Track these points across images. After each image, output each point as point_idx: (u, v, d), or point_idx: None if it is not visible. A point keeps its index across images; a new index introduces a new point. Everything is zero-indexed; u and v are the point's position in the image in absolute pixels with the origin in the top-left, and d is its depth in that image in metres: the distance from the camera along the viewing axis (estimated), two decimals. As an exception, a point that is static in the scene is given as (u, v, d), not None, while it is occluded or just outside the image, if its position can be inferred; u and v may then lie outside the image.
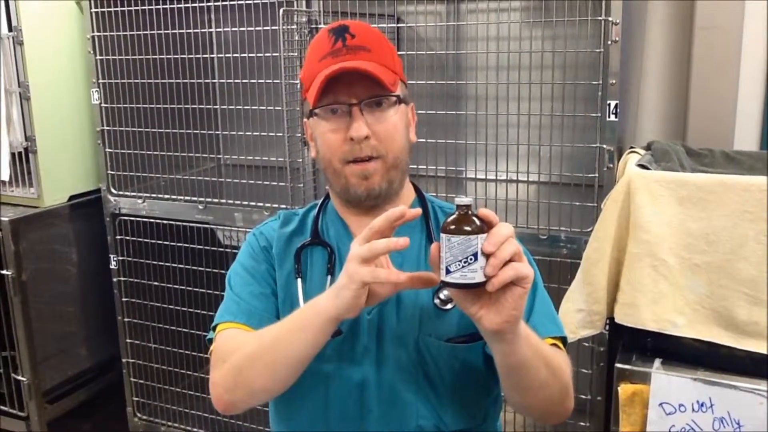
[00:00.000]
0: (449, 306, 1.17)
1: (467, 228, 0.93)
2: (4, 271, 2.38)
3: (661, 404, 1.52)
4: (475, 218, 0.94)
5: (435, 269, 0.98)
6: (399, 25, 2.19)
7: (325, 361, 1.17)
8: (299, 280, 1.23)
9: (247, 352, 1.11)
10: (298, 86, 2.09)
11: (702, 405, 1.49)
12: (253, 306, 1.21)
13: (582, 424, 1.93)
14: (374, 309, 1.18)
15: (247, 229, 2.31)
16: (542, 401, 1.11)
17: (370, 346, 1.18)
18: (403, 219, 1.00)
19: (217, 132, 2.65)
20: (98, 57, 2.41)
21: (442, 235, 0.95)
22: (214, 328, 1.23)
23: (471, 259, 0.93)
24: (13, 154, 2.44)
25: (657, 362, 1.55)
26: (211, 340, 1.24)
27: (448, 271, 0.94)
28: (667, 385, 1.51)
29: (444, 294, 1.18)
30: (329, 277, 1.22)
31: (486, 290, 0.93)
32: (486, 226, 0.94)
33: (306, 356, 1.08)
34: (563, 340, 1.20)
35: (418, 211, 1.01)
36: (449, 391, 1.19)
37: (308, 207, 1.35)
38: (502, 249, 0.92)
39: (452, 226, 0.94)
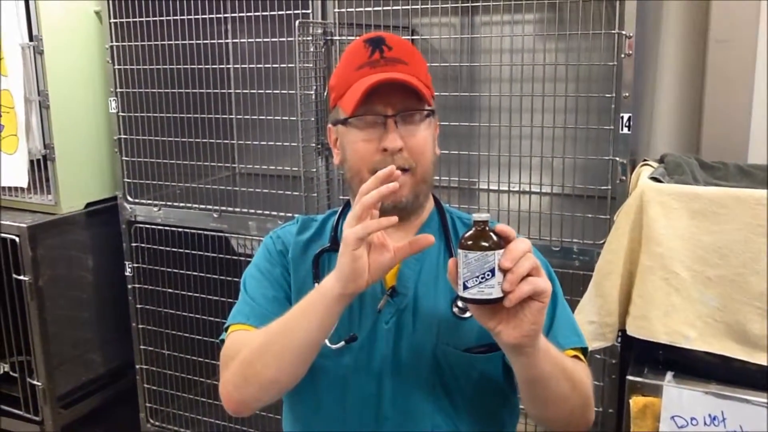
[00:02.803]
0: (467, 315, 1.17)
1: (484, 244, 0.94)
2: (21, 277, 2.41)
3: (672, 417, 1.51)
4: (492, 234, 0.95)
5: (453, 284, 0.98)
6: (414, 37, 2.21)
7: (343, 369, 1.18)
8: (317, 284, 1.23)
9: (255, 346, 1.11)
10: (325, 94, 2.10)
11: (714, 419, 1.48)
12: (266, 309, 1.22)
13: (593, 436, 1.93)
14: (392, 318, 1.19)
15: (261, 238, 2.32)
16: (562, 414, 1.12)
17: (387, 355, 1.19)
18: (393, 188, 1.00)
19: (232, 141, 2.68)
20: (116, 66, 2.44)
21: (459, 251, 0.95)
22: (226, 329, 1.24)
23: (488, 275, 0.93)
24: (31, 162, 2.47)
25: (669, 375, 1.55)
26: (223, 341, 1.25)
27: (465, 287, 0.95)
28: (679, 398, 1.51)
29: (462, 302, 1.18)
30: None
31: (504, 305, 0.94)
32: (503, 242, 0.95)
33: (314, 341, 1.07)
34: (584, 351, 1.21)
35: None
36: (466, 401, 1.19)
37: (328, 214, 1.36)
38: (519, 264, 0.93)
39: (469, 242, 0.95)
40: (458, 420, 1.19)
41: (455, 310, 1.19)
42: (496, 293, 0.93)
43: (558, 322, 1.19)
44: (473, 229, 0.96)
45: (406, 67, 1.17)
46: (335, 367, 1.17)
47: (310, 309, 1.06)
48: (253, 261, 1.32)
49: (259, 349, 1.10)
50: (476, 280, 0.94)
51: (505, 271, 0.93)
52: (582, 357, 1.19)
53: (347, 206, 1.33)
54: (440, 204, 1.32)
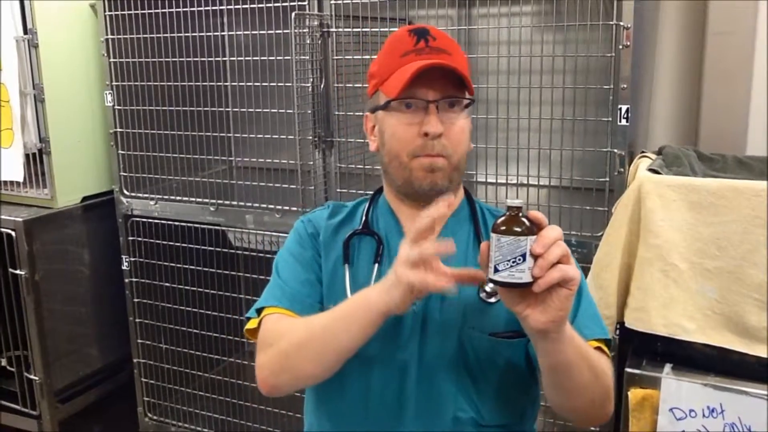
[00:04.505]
0: (493, 300, 1.20)
1: (517, 229, 0.96)
2: (17, 271, 2.40)
3: (671, 409, 1.51)
4: (525, 220, 0.97)
5: (484, 267, 1.01)
6: (411, 28, 2.19)
7: (369, 349, 1.19)
8: (347, 266, 1.26)
9: (295, 340, 1.14)
10: (322, 86, 2.09)
11: (713, 411, 1.48)
12: (298, 291, 1.25)
13: (592, 428, 1.93)
14: (419, 301, 1.21)
15: (259, 231, 2.33)
16: (583, 403, 1.13)
17: (414, 337, 1.21)
18: (447, 213, 1.03)
19: (228, 134, 2.67)
20: (112, 59, 2.43)
21: (493, 235, 0.98)
22: (258, 311, 1.26)
23: (519, 260, 0.96)
24: (27, 155, 2.46)
25: (667, 367, 1.55)
26: (249, 319, 1.28)
27: (496, 270, 0.97)
28: (678, 390, 1.51)
29: (489, 287, 1.20)
30: (376, 265, 1.25)
31: (533, 290, 0.96)
32: (536, 228, 0.97)
33: (354, 346, 1.11)
34: (607, 343, 1.22)
35: (452, 199, 1.04)
36: (489, 385, 1.21)
37: (358, 201, 1.38)
38: (551, 251, 0.95)
39: (503, 227, 0.97)
40: (481, 404, 1.21)
41: (482, 295, 1.21)
42: (527, 278, 0.96)
43: (582, 313, 1.20)
44: (507, 214, 0.98)
45: (450, 57, 1.19)
46: (361, 347, 1.18)
47: (352, 317, 1.09)
48: (284, 246, 1.34)
49: (299, 345, 1.13)
50: (507, 264, 0.96)
51: (536, 257, 0.95)
52: (605, 349, 1.20)
53: (378, 192, 1.35)
54: (470, 194, 1.35)
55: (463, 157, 1.23)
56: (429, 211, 1.02)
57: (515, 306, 1.00)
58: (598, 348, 1.18)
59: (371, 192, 1.89)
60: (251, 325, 1.27)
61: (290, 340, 1.15)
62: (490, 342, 1.20)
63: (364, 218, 1.31)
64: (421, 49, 1.19)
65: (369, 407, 1.22)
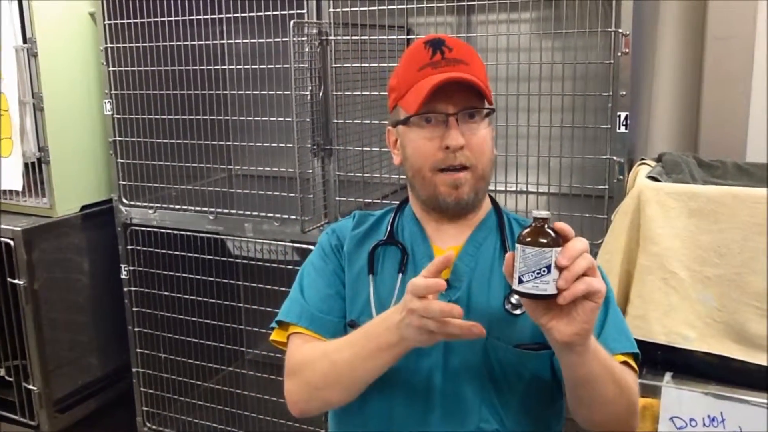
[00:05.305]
0: (519, 312, 1.19)
1: (543, 240, 0.95)
2: (16, 281, 2.39)
3: (671, 418, 1.50)
4: (550, 231, 0.96)
5: (508, 278, 1.00)
6: (410, 36, 2.20)
7: None
8: (371, 276, 1.26)
9: (320, 373, 1.17)
10: (320, 94, 2.10)
11: (713, 419, 1.47)
12: (318, 309, 1.27)
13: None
14: None
15: (258, 240, 2.32)
16: (608, 418, 1.13)
17: (438, 346, 1.20)
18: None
19: (228, 143, 2.67)
20: (111, 68, 2.43)
21: (518, 246, 0.97)
22: (278, 322, 1.30)
23: (544, 271, 0.95)
24: (26, 164, 2.45)
25: (667, 376, 1.54)
26: (273, 329, 1.31)
27: (521, 281, 0.96)
28: (678, 399, 1.50)
29: (515, 298, 1.19)
30: (400, 275, 1.25)
31: (557, 302, 0.95)
32: (561, 240, 0.96)
33: (380, 374, 1.14)
34: (635, 356, 1.21)
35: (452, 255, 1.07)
36: (514, 397, 1.20)
37: (384, 210, 1.39)
38: (576, 263, 0.94)
39: (528, 238, 0.96)
40: (505, 416, 1.20)
41: (508, 306, 1.20)
42: (551, 290, 0.95)
43: (609, 326, 1.19)
44: (532, 224, 0.97)
45: (467, 67, 1.19)
46: None
47: (379, 350, 1.11)
48: (309, 257, 1.37)
49: (324, 378, 1.17)
50: (532, 275, 0.95)
51: (561, 269, 0.94)
52: (633, 362, 1.20)
53: (404, 203, 1.35)
54: (497, 204, 1.34)
55: (487, 167, 1.23)
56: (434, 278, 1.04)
57: (540, 318, 0.99)
58: (625, 362, 1.17)
59: (370, 200, 1.90)
60: (276, 336, 1.31)
61: (315, 372, 1.17)
62: (515, 354, 1.19)
63: (389, 228, 1.32)
64: (438, 62, 1.19)
65: (393, 417, 1.22)
